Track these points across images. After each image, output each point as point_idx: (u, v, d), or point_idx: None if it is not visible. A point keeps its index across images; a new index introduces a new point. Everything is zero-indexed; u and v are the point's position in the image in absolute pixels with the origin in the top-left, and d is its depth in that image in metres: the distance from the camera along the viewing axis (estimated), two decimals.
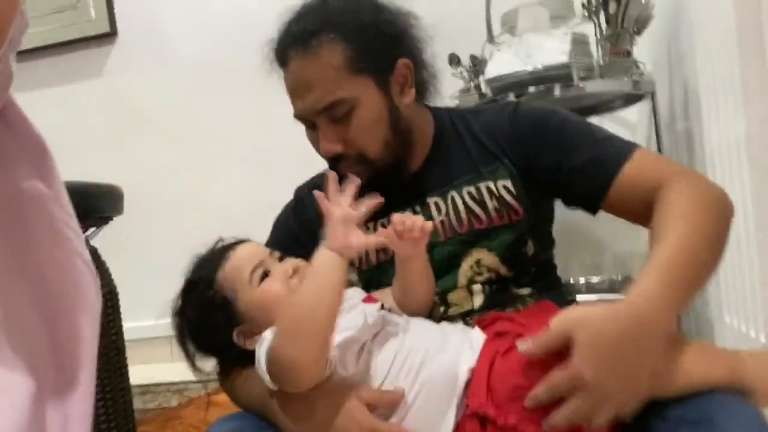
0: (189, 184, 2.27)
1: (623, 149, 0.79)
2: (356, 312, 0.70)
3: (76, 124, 2.30)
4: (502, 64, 1.51)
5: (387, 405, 0.66)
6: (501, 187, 0.84)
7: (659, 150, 1.59)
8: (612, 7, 1.46)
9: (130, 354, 1.30)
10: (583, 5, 1.53)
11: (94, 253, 1.21)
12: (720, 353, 0.65)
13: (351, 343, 0.67)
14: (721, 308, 1.28)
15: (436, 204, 0.85)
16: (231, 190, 2.21)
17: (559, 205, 0.89)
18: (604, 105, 1.73)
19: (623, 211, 0.79)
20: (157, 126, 2.28)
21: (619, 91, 1.54)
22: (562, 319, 0.60)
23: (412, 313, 0.77)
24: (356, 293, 0.82)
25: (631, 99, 1.66)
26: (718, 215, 0.70)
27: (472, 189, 0.85)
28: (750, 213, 1.13)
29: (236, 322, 0.76)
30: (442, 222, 0.84)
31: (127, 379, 1.28)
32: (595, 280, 1.71)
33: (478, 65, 1.62)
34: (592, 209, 0.81)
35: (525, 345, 0.61)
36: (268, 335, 0.69)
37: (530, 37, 1.50)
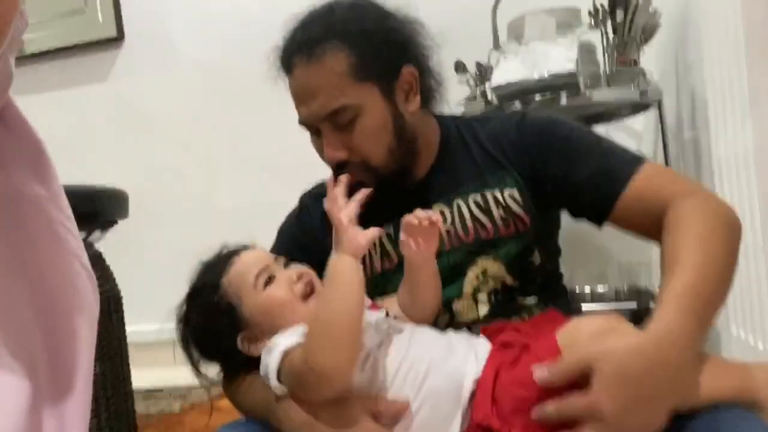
0: (194, 187, 2.27)
1: (631, 162, 0.78)
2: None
3: (82, 127, 2.31)
4: (509, 71, 1.51)
5: (392, 415, 0.65)
6: (507, 196, 0.83)
7: (666, 159, 1.59)
8: (619, 16, 1.46)
9: (133, 358, 1.30)
10: (590, 13, 1.53)
11: (99, 257, 1.21)
12: (730, 367, 0.64)
13: None
14: (728, 319, 1.27)
15: (442, 212, 0.85)
16: (236, 194, 2.21)
17: (564, 214, 0.89)
18: (611, 113, 1.73)
19: (629, 224, 0.78)
20: (163, 130, 2.29)
21: (625, 99, 1.54)
22: (583, 351, 0.59)
23: (418, 321, 0.77)
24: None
25: (637, 108, 1.66)
26: (729, 237, 0.69)
27: (478, 197, 0.84)
28: (757, 223, 1.13)
29: (241, 328, 0.75)
30: (447, 231, 0.84)
31: (130, 383, 1.27)
32: (601, 289, 1.70)
33: (484, 72, 1.62)
34: (598, 222, 0.81)
35: (542, 372, 0.60)
36: (278, 342, 0.69)
37: (537, 44, 1.50)
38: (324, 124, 0.81)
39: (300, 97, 0.82)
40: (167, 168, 2.28)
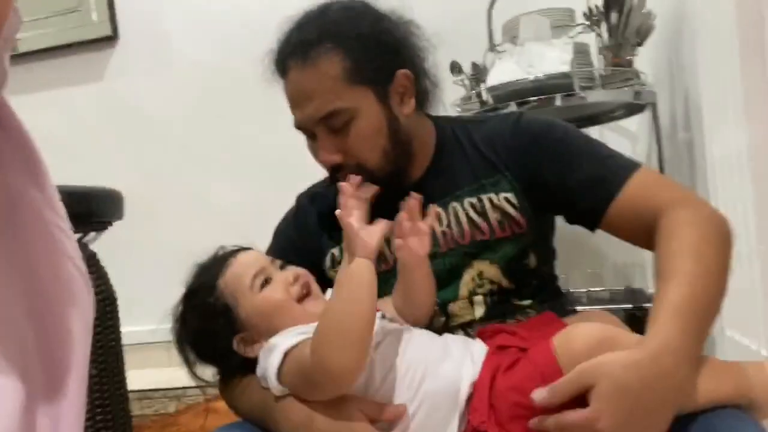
0: (190, 188, 2.27)
1: (625, 168, 0.78)
2: None
3: (77, 127, 2.30)
4: (504, 72, 1.52)
5: (388, 420, 0.65)
6: (503, 199, 0.83)
7: (660, 160, 1.59)
8: (614, 17, 1.46)
9: (128, 359, 1.30)
10: (584, 15, 1.53)
11: (93, 258, 1.21)
12: (726, 368, 0.65)
13: None
14: (723, 321, 1.28)
15: (438, 214, 0.85)
16: (232, 195, 2.21)
17: (559, 217, 0.89)
18: (605, 115, 1.73)
19: (621, 231, 0.78)
20: (158, 130, 2.28)
21: (620, 101, 1.54)
22: (581, 369, 0.59)
23: (413, 322, 0.77)
24: None
25: (632, 109, 1.66)
26: (723, 246, 0.69)
27: (474, 200, 0.84)
28: (751, 225, 1.13)
29: (237, 330, 0.75)
30: (443, 233, 0.84)
31: (125, 384, 1.27)
32: (596, 290, 1.70)
33: (479, 73, 1.63)
34: (591, 227, 0.81)
35: (540, 395, 0.60)
36: (277, 342, 0.69)
37: (532, 46, 1.50)
38: (319, 128, 0.81)
39: (295, 101, 0.82)
40: (163, 168, 2.27)
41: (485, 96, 1.56)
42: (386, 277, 0.85)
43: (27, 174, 0.51)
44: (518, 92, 1.48)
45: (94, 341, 0.58)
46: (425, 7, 0.90)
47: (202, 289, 0.77)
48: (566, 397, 0.59)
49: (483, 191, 0.84)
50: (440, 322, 0.83)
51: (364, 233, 0.65)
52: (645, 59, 1.58)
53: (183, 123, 2.26)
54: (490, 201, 0.84)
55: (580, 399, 0.58)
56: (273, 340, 0.70)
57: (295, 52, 0.80)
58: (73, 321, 0.52)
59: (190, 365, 0.80)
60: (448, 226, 0.84)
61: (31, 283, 0.50)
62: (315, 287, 0.78)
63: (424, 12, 0.89)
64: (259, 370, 0.72)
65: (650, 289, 1.70)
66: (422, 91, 0.87)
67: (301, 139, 0.88)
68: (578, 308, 1.29)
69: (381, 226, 0.68)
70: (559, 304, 0.89)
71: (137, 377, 1.45)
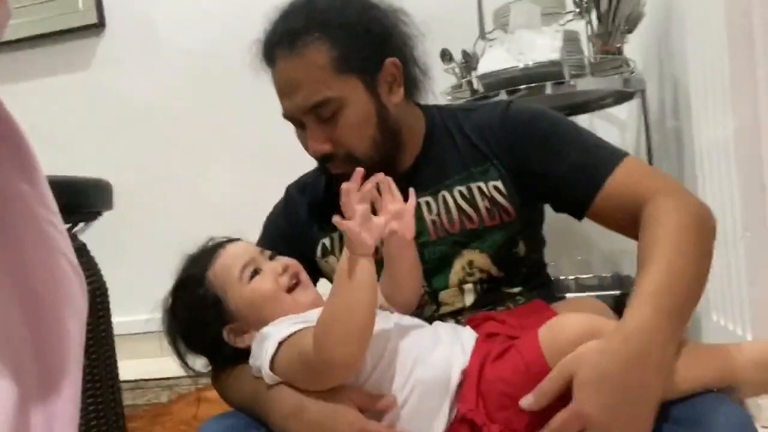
0: (180, 178, 2.25)
1: (611, 157, 0.79)
2: None
3: (63, 117, 2.27)
4: (494, 60, 1.51)
5: (378, 410, 0.66)
6: (492, 187, 0.84)
7: (648, 148, 1.60)
8: (603, 5, 1.46)
9: (120, 349, 1.29)
10: (574, 2, 1.53)
11: (83, 249, 1.20)
12: (710, 352, 0.66)
13: None
14: (708, 306, 1.30)
15: (428, 203, 0.85)
16: (223, 185, 2.20)
17: (547, 205, 0.90)
18: (595, 103, 1.74)
19: (607, 219, 0.79)
20: (146, 119, 2.26)
21: (609, 88, 1.55)
22: (561, 364, 0.60)
23: (403, 308, 0.77)
24: None
25: (621, 97, 1.67)
26: (704, 234, 0.70)
27: (463, 189, 0.85)
28: (737, 212, 1.15)
29: (226, 321, 0.76)
30: (433, 221, 0.85)
31: (117, 374, 1.27)
32: (585, 277, 1.72)
33: (470, 61, 1.62)
34: (578, 216, 0.82)
35: (528, 402, 0.61)
36: (270, 332, 0.69)
37: (522, 33, 1.50)
38: (307, 117, 0.81)
39: (283, 91, 0.82)
40: (152, 159, 2.26)
41: (476, 84, 1.56)
42: (377, 265, 0.85)
43: (18, 168, 0.50)
44: (508, 80, 1.48)
45: (86, 332, 0.58)
46: None
47: (191, 281, 0.78)
48: (552, 396, 0.60)
49: (472, 180, 0.85)
50: (430, 311, 0.84)
51: (365, 235, 0.65)
52: (634, 47, 1.59)
53: (171, 112, 2.24)
54: (480, 189, 0.84)
55: (567, 395, 0.59)
56: (266, 329, 0.71)
57: (282, 41, 0.80)
58: (67, 318, 0.52)
59: (181, 356, 0.80)
60: (438, 214, 0.85)
61: (25, 281, 0.50)
62: (304, 277, 0.78)
63: (414, 0, 0.89)
64: (251, 359, 0.72)
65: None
66: (411, 79, 0.87)
67: (290, 128, 0.88)
68: (567, 295, 1.31)
69: (382, 220, 0.67)
70: (548, 292, 0.90)
71: (129, 367, 1.45)
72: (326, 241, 0.91)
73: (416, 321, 0.76)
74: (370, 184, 0.68)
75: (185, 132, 2.24)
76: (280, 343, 0.68)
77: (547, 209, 0.91)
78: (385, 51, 0.83)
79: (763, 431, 1.02)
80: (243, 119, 2.14)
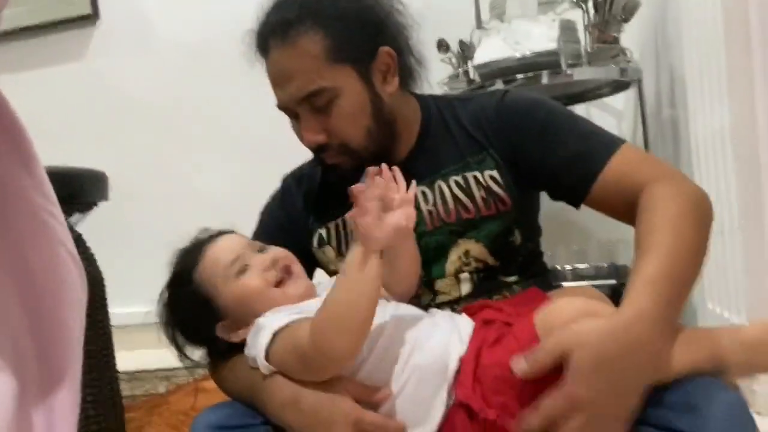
0: (175, 169, 2.25)
1: (608, 145, 0.79)
2: None
3: (57, 108, 2.26)
4: (491, 50, 1.51)
5: (373, 402, 0.66)
6: (488, 177, 0.84)
7: (645, 138, 1.60)
8: None
9: (117, 340, 1.30)
10: None
11: (79, 240, 1.20)
12: (700, 337, 0.66)
13: None
14: (704, 295, 1.30)
15: (423, 193, 0.85)
16: (218, 176, 2.19)
17: (544, 193, 0.90)
18: (591, 92, 1.73)
19: (605, 207, 0.79)
20: (141, 110, 2.25)
21: (606, 78, 1.54)
22: (558, 338, 0.60)
23: (400, 296, 0.78)
24: None
25: (618, 86, 1.67)
26: (701, 220, 0.70)
27: (459, 178, 0.85)
28: (733, 202, 1.15)
29: (219, 317, 0.77)
30: (429, 211, 0.84)
31: (114, 365, 1.27)
32: (581, 267, 1.72)
33: (466, 51, 1.62)
34: (575, 204, 0.82)
35: (519, 365, 0.61)
36: (264, 323, 0.69)
37: (518, 23, 1.50)
38: (301, 108, 0.81)
39: (276, 81, 0.82)
40: (147, 149, 2.25)
41: (472, 74, 1.55)
42: None
43: (16, 158, 0.50)
44: (505, 70, 1.47)
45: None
46: None
47: (181, 279, 0.78)
48: (544, 367, 0.60)
49: (468, 169, 0.85)
50: (427, 300, 0.84)
51: (378, 231, 0.65)
52: (631, 36, 1.58)
53: (166, 102, 2.22)
54: (475, 179, 0.84)
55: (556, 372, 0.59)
56: (261, 320, 0.71)
57: (275, 31, 0.79)
58: (67, 310, 0.52)
59: (179, 348, 0.80)
60: (434, 204, 0.85)
61: (24, 271, 0.49)
62: (296, 268, 0.78)
63: None
64: (247, 350, 0.73)
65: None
66: (406, 68, 0.86)
67: (285, 119, 0.87)
68: (564, 284, 1.31)
69: (395, 219, 0.67)
70: (544, 280, 0.90)
71: (126, 358, 1.45)
72: (322, 231, 0.91)
73: (413, 309, 0.76)
74: (378, 190, 0.67)
75: (180, 122, 2.23)
76: (275, 334, 0.68)
77: (544, 198, 0.91)
78: (378, 40, 0.82)
79: (758, 417, 1.03)
80: (238, 110, 2.13)
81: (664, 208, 0.69)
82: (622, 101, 1.87)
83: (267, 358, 0.68)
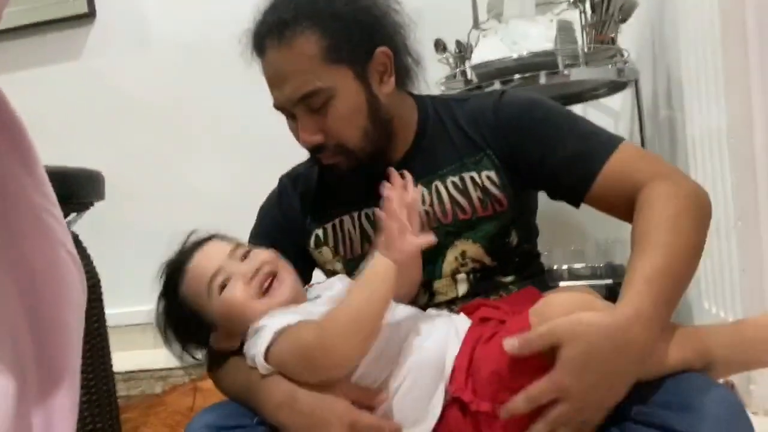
0: (171, 168, 2.24)
1: (607, 143, 0.79)
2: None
3: (54, 107, 2.25)
4: (488, 50, 1.51)
5: (369, 405, 0.66)
6: (485, 177, 0.84)
7: (642, 138, 1.61)
8: None
9: (113, 340, 1.29)
10: None
11: (75, 239, 1.19)
12: (689, 333, 0.67)
13: None
14: (701, 294, 1.31)
15: (420, 194, 0.85)
16: (216, 176, 2.19)
17: (541, 194, 0.90)
18: (588, 92, 1.74)
19: (605, 205, 0.79)
20: (138, 110, 2.24)
21: (603, 78, 1.55)
22: (553, 325, 0.60)
23: (399, 298, 0.77)
24: (342, 282, 0.82)
25: (615, 87, 1.67)
26: (699, 220, 0.71)
27: (456, 179, 0.84)
28: (729, 202, 1.15)
29: (210, 328, 0.77)
30: (426, 212, 0.84)
31: (110, 365, 1.27)
32: (578, 267, 1.73)
33: (463, 51, 1.62)
34: (575, 203, 0.82)
35: (510, 343, 0.61)
36: (265, 324, 0.69)
37: (516, 23, 1.50)
38: (298, 108, 0.80)
39: (273, 81, 0.82)
40: (144, 148, 2.24)
41: (470, 74, 1.55)
42: (371, 256, 0.85)
43: (16, 157, 0.49)
44: (502, 70, 1.47)
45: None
46: None
47: (169, 295, 0.79)
48: (534, 349, 0.61)
49: (465, 170, 0.84)
50: (424, 300, 0.84)
51: (401, 243, 0.66)
52: (628, 37, 1.59)
53: (163, 102, 2.22)
54: (472, 180, 0.84)
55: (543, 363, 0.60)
56: (262, 321, 0.71)
57: (271, 32, 0.79)
58: (66, 311, 0.51)
59: (179, 354, 0.81)
60: (431, 205, 0.84)
61: (24, 271, 0.49)
62: (282, 273, 0.77)
63: None
64: (245, 349, 0.73)
65: None
66: (403, 69, 0.86)
67: (282, 119, 0.87)
68: (560, 284, 1.31)
69: (422, 240, 0.68)
70: (541, 280, 0.90)
71: (122, 359, 1.45)
72: (319, 231, 0.91)
73: (411, 309, 0.76)
74: (409, 198, 0.69)
75: (177, 121, 2.22)
76: (276, 334, 0.68)
77: (541, 198, 0.91)
78: (375, 40, 0.82)
79: (755, 417, 1.03)
80: (234, 109, 2.12)
81: (663, 206, 0.70)
82: (619, 102, 1.88)
83: (266, 358, 0.68)
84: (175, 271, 0.79)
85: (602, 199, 0.78)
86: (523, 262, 0.88)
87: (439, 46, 1.62)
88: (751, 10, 1.10)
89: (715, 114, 1.20)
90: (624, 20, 1.50)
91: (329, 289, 0.80)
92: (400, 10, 0.85)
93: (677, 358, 0.63)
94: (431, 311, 0.78)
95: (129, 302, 1.64)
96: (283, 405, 0.67)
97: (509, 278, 0.86)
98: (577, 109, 1.80)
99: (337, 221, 0.89)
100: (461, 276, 0.84)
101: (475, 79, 1.53)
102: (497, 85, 1.45)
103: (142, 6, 2.22)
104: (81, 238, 1.21)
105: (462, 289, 0.84)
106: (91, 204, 1.23)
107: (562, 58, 1.43)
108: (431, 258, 0.84)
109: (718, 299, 1.23)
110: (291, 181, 0.97)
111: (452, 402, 0.66)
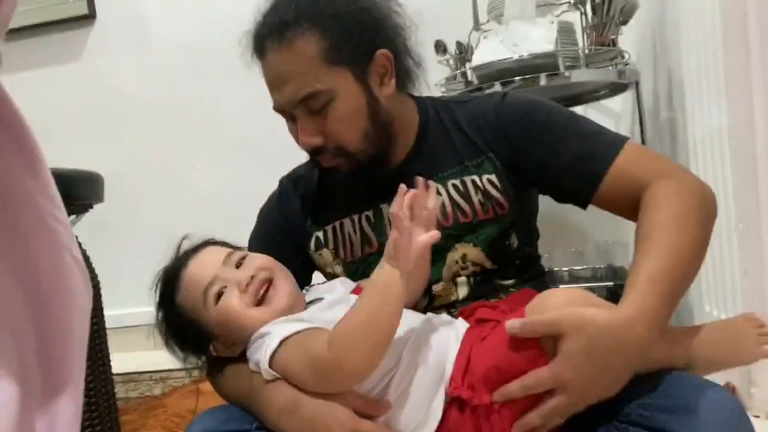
0: (171, 169, 2.24)
1: (612, 143, 0.79)
2: (345, 305, 0.69)
3: (54, 108, 2.25)
4: (488, 51, 1.51)
5: (372, 414, 0.66)
6: (486, 181, 0.83)
7: (643, 139, 1.60)
8: None
9: (113, 342, 1.29)
10: None
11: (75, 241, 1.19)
12: (676, 334, 0.68)
13: None
14: (701, 297, 1.30)
15: (440, 203, 0.84)
16: (216, 177, 2.19)
17: (543, 197, 0.89)
18: (589, 94, 1.74)
19: (612, 205, 0.79)
20: (137, 111, 2.24)
21: (604, 80, 1.55)
22: (557, 315, 0.61)
23: (406, 301, 0.77)
24: (343, 284, 0.82)
25: (616, 88, 1.67)
26: (704, 218, 0.71)
27: (457, 182, 0.84)
28: (731, 204, 1.15)
29: (209, 337, 0.76)
30: None
31: (110, 367, 1.26)
32: (578, 269, 1.72)
33: (464, 52, 1.62)
34: (582, 205, 0.82)
35: (513, 325, 0.62)
36: (270, 330, 0.69)
37: (516, 24, 1.50)
38: (297, 110, 0.80)
39: (272, 83, 0.81)
40: (143, 150, 2.24)
41: (470, 76, 1.55)
42: (371, 260, 0.85)
43: (23, 162, 0.49)
44: (503, 72, 1.47)
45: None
46: None
47: (166, 304, 0.79)
48: (535, 334, 0.61)
49: (466, 173, 0.84)
50: (423, 303, 0.84)
51: (409, 254, 0.64)
52: (629, 38, 1.58)
53: (163, 104, 2.22)
54: (473, 183, 0.84)
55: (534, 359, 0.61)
56: (265, 328, 0.70)
57: (271, 33, 0.79)
58: (71, 316, 0.51)
59: (178, 357, 0.81)
60: None
61: (29, 276, 0.49)
62: (278, 280, 0.76)
63: None
64: (249, 353, 0.72)
65: None
66: (404, 71, 0.86)
67: (282, 120, 0.87)
68: (561, 286, 1.30)
69: (427, 238, 0.66)
70: (541, 283, 0.89)
71: (122, 360, 1.44)
72: (320, 234, 0.90)
73: (412, 314, 0.75)
74: (431, 206, 0.68)
75: (176, 123, 2.22)
76: (283, 341, 0.67)
77: (542, 200, 0.90)
78: (376, 42, 0.81)
79: (756, 420, 1.03)
80: (235, 110, 2.12)
81: (668, 205, 0.70)
82: (620, 103, 1.88)
83: (271, 364, 0.68)
84: (170, 280, 0.78)
85: (609, 199, 0.78)
86: (524, 264, 0.87)
87: (440, 47, 1.62)
88: (752, 11, 1.10)
89: (716, 115, 1.19)
90: (625, 22, 1.49)
91: (330, 292, 0.79)
92: (402, 12, 0.85)
93: (664, 356, 0.65)
94: (431, 315, 0.77)
95: (128, 303, 1.64)
96: (285, 411, 0.67)
97: (509, 281, 0.85)
98: (578, 110, 1.79)
99: (337, 224, 0.89)
100: (461, 279, 0.83)
101: (475, 81, 1.53)
102: (497, 87, 1.45)
103: (143, 7, 2.22)
104: (80, 238, 1.20)
105: (462, 292, 0.83)
106: (90, 206, 1.23)
107: (563, 60, 1.43)
108: (431, 261, 0.83)
109: (719, 301, 1.22)
110: (291, 182, 0.96)
111: (451, 402, 0.66)
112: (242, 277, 0.74)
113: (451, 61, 1.63)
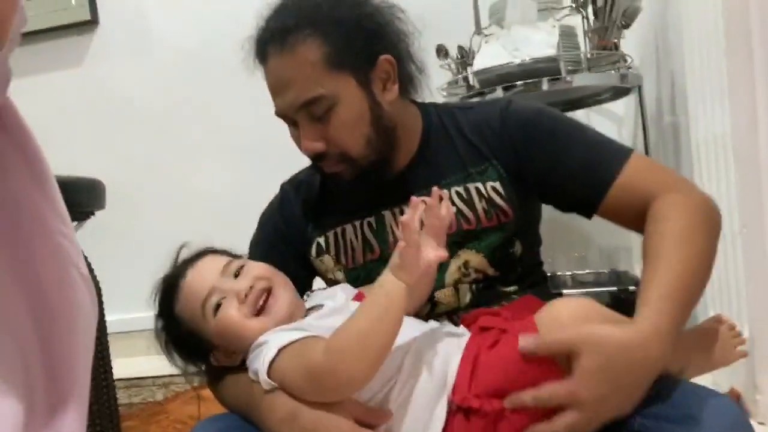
0: (172, 175, 2.24)
1: (618, 154, 0.79)
2: (346, 313, 0.69)
3: (56, 114, 2.26)
4: (490, 56, 1.51)
5: (373, 424, 0.65)
6: (490, 188, 0.83)
7: (645, 143, 1.60)
8: (600, 0, 1.46)
9: (115, 347, 1.29)
10: None
11: None
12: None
13: None
14: (706, 302, 1.29)
15: (424, 203, 0.84)
16: (215, 183, 2.19)
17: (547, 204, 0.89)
18: (591, 98, 1.73)
19: (617, 216, 0.79)
20: (140, 116, 2.25)
21: (606, 84, 1.54)
22: (572, 332, 0.60)
23: (405, 312, 0.76)
24: (345, 290, 0.81)
25: (618, 92, 1.67)
26: (711, 231, 0.71)
27: (460, 189, 0.84)
28: (734, 208, 1.15)
29: (209, 347, 0.76)
30: None
31: (111, 373, 1.26)
32: (581, 273, 1.72)
33: (465, 57, 1.62)
34: (588, 214, 0.81)
35: (526, 342, 0.62)
36: (268, 339, 0.68)
37: (518, 29, 1.50)
38: (300, 115, 0.80)
39: (275, 88, 0.81)
40: (145, 156, 2.24)
41: (472, 80, 1.55)
42: (372, 266, 0.85)
43: (30, 177, 0.49)
44: (504, 76, 1.47)
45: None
46: None
47: (165, 315, 0.78)
48: (549, 352, 0.61)
49: (470, 180, 0.84)
50: (426, 310, 0.83)
51: (417, 266, 0.64)
52: (631, 42, 1.58)
53: (165, 109, 2.22)
54: (477, 190, 0.83)
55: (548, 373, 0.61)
56: (263, 337, 0.70)
57: (273, 38, 0.79)
58: (77, 333, 0.51)
59: (181, 366, 0.81)
60: None
61: (36, 292, 0.48)
62: (277, 289, 0.75)
63: None
64: (248, 362, 0.72)
65: (635, 272, 1.71)
66: (406, 76, 0.85)
67: (283, 125, 0.87)
68: (564, 292, 1.30)
69: (435, 257, 0.66)
70: (543, 289, 0.89)
71: (123, 365, 1.44)
72: (321, 240, 0.90)
73: (414, 322, 0.75)
74: (444, 213, 0.67)
75: (178, 129, 2.23)
76: (280, 350, 0.67)
77: (545, 207, 0.90)
78: (378, 47, 0.81)
79: (761, 427, 1.02)
80: (235, 116, 2.13)
81: (676, 218, 0.70)
82: (623, 107, 1.87)
83: (269, 374, 0.67)
84: (168, 290, 0.78)
85: (614, 210, 0.78)
86: (526, 271, 0.87)
87: (441, 51, 1.62)
88: (755, 14, 1.10)
89: (719, 119, 1.19)
90: (627, 26, 1.49)
91: (331, 299, 0.79)
92: (404, 18, 0.85)
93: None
94: (433, 323, 0.77)
95: (129, 309, 1.64)
96: (285, 420, 0.66)
97: (512, 288, 0.85)
98: (580, 114, 1.80)
99: (339, 230, 0.88)
100: (464, 286, 0.83)
101: (477, 85, 1.53)
102: (499, 91, 1.45)
103: (145, 13, 2.23)
104: (82, 243, 1.20)
105: (464, 299, 0.83)
106: (92, 213, 1.23)
107: (565, 64, 1.42)
108: None
109: (723, 306, 1.22)
110: (293, 188, 0.96)
111: (456, 411, 0.65)
112: (241, 287, 0.73)
113: (453, 66, 1.63)
